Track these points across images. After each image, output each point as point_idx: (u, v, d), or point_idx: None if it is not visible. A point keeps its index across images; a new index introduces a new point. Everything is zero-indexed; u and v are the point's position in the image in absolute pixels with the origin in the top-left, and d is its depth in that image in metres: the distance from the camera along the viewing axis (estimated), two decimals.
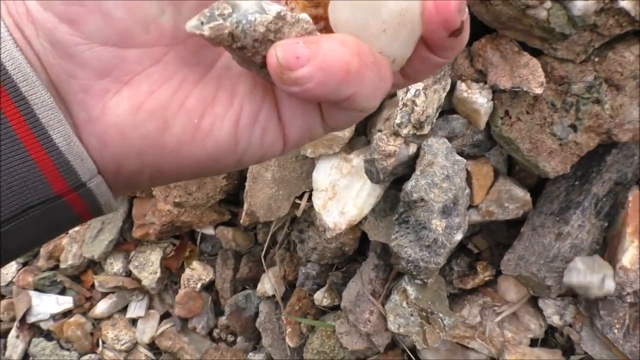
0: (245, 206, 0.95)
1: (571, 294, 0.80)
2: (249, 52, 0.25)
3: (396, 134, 0.73)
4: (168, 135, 0.25)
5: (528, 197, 0.77)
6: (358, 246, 0.97)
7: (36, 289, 1.39)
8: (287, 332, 1.06)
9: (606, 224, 0.74)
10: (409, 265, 0.75)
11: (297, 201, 0.98)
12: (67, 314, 1.40)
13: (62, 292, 1.40)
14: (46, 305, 1.38)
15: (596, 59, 0.65)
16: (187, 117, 0.25)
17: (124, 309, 1.37)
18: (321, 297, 1.01)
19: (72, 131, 0.23)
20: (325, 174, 0.86)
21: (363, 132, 0.89)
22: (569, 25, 0.61)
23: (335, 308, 1.01)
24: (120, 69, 0.24)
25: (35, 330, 1.42)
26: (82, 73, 0.24)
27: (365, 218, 0.85)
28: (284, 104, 0.28)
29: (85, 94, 0.24)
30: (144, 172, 0.26)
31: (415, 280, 0.79)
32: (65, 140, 0.23)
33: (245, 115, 0.27)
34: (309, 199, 0.95)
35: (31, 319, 1.38)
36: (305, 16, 0.25)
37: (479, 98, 0.69)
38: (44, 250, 1.39)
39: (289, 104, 0.28)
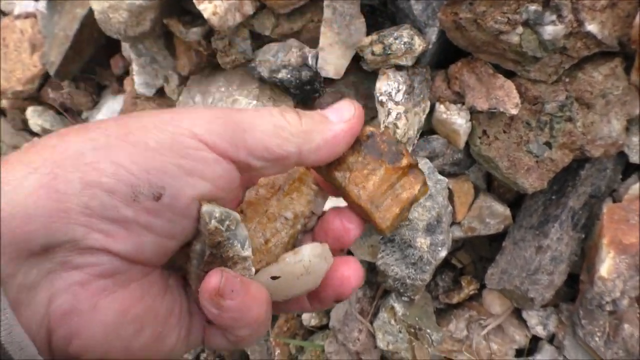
0: None
1: (553, 304, 0.82)
2: (211, 258, 0.29)
3: None
4: (139, 339, 0.28)
5: (508, 212, 0.79)
6: None
7: None
8: (276, 353, 1.06)
9: (583, 236, 0.76)
10: (396, 282, 0.77)
11: None
12: None
13: None
14: None
15: (567, 80, 0.68)
16: (155, 325, 0.29)
17: None
18: (309, 317, 1.02)
19: (15, 322, 0.24)
20: None
21: None
22: (540, 48, 0.64)
23: (324, 328, 1.01)
24: (123, 275, 0.27)
25: None
26: (88, 269, 0.26)
27: None
28: (193, 323, 0.33)
29: (80, 287, 0.26)
30: None
31: (403, 298, 0.80)
32: (7, 331, 0.23)
33: (184, 329, 0.32)
34: None
35: None
36: (253, 270, 0.31)
37: (457, 119, 0.72)
38: None
39: (196, 324, 0.33)
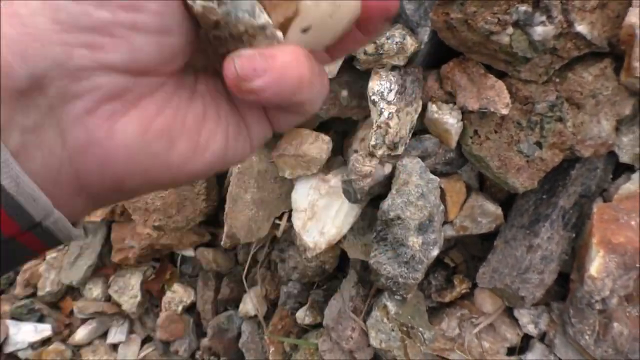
0: (226, 228, 0.96)
1: (544, 303, 0.83)
2: (219, 41, 0.26)
3: (371, 155, 0.75)
4: (174, 153, 0.26)
5: (499, 211, 0.80)
6: (338, 264, 0.99)
7: (13, 318, 1.36)
8: (271, 351, 1.07)
9: (574, 235, 0.77)
10: (388, 281, 0.77)
11: (277, 222, 0.99)
12: (46, 342, 1.37)
13: (40, 319, 1.38)
14: (24, 334, 1.36)
15: (557, 80, 0.69)
16: (188, 135, 0.27)
17: (105, 335, 1.36)
18: (303, 316, 1.02)
19: (20, 172, 0.22)
20: (304, 195, 0.88)
21: (340, 152, 0.91)
22: (530, 49, 0.64)
23: (318, 326, 1.02)
24: (131, 92, 0.25)
25: None
26: (90, 95, 0.24)
27: (344, 237, 0.87)
28: (246, 115, 0.30)
29: (90, 115, 0.24)
30: (143, 187, 0.27)
31: (395, 296, 0.81)
32: (14, 182, 0.22)
33: (232, 128, 0.29)
34: (289, 219, 0.97)
35: (8, 349, 1.36)
36: (280, 36, 0.26)
37: (449, 119, 0.72)
38: (20, 277, 1.37)
39: (250, 114, 0.30)
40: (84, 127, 0.24)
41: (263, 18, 0.25)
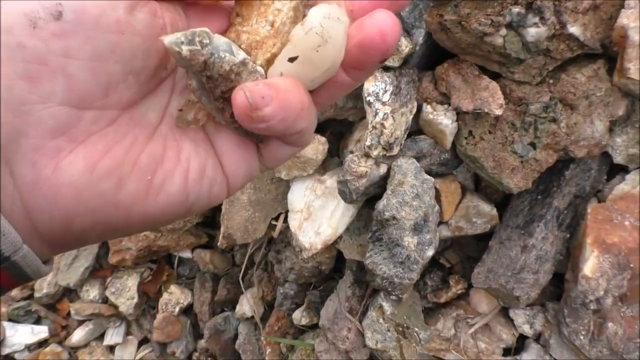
0: (223, 229, 0.96)
1: (539, 303, 0.83)
2: (212, 83, 0.27)
3: (367, 156, 0.75)
4: (123, 193, 0.26)
5: (494, 212, 0.80)
6: (334, 265, 0.99)
7: (10, 320, 1.36)
8: (267, 352, 1.07)
9: (568, 235, 0.77)
10: (384, 281, 0.78)
11: (274, 222, 1.00)
12: (42, 343, 1.37)
13: (37, 321, 1.38)
14: (21, 336, 1.35)
15: (551, 81, 0.69)
16: (140, 175, 0.26)
17: (101, 336, 1.36)
18: (300, 317, 1.02)
19: None
20: (300, 195, 0.88)
21: (336, 153, 0.91)
22: (524, 50, 0.65)
23: (314, 327, 1.02)
24: (76, 128, 0.24)
25: None
26: (35, 131, 0.23)
27: (340, 237, 0.87)
28: (225, 156, 0.30)
29: (36, 152, 0.24)
30: (95, 229, 0.26)
31: (391, 296, 0.81)
32: None
33: (193, 170, 0.28)
34: (285, 220, 0.97)
35: (5, 351, 1.36)
36: (260, 69, 0.28)
37: (444, 119, 0.73)
38: None
39: (231, 155, 0.30)
40: (32, 165, 0.24)
41: (241, 55, 0.27)
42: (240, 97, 0.25)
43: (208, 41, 0.26)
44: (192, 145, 0.29)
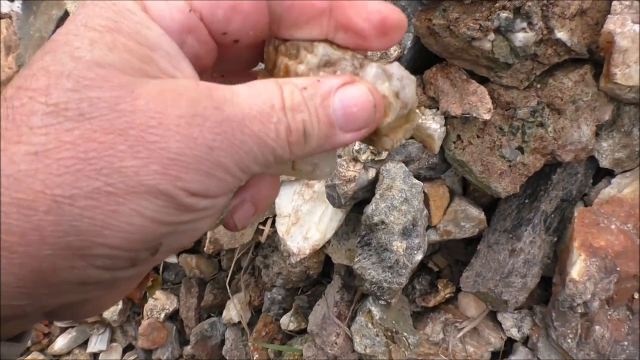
0: (209, 234, 0.95)
1: (527, 307, 0.84)
2: None
3: (355, 160, 0.75)
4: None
5: (483, 216, 0.81)
6: (322, 269, 0.99)
7: None
8: (254, 358, 1.06)
9: (555, 239, 0.78)
10: (373, 286, 0.77)
11: (261, 227, 0.99)
12: (24, 352, 1.34)
13: None
14: None
15: (538, 86, 0.70)
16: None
17: (85, 344, 1.33)
18: (287, 322, 1.02)
19: None
20: (288, 200, 0.87)
21: None
22: (512, 55, 0.65)
23: (302, 332, 1.01)
24: None
25: None
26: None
27: (328, 242, 0.86)
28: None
29: None
30: None
31: (379, 301, 0.81)
32: None
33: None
34: (273, 224, 0.96)
35: None
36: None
37: (432, 124, 0.73)
38: None
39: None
40: None
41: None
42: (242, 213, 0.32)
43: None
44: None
